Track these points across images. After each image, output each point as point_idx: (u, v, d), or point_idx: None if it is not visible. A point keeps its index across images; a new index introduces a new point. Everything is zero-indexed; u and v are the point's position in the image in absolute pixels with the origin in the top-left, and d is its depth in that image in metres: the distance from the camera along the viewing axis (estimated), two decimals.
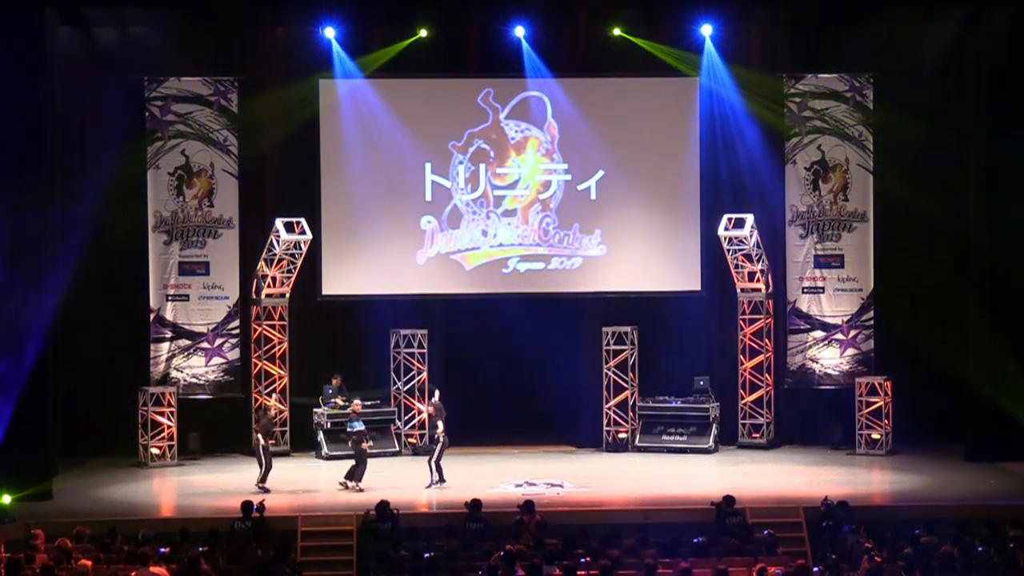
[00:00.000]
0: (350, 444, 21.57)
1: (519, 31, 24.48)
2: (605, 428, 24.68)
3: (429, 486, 20.90)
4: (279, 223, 23.82)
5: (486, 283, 25.01)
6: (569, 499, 20.14)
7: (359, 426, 21.46)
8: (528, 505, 17.45)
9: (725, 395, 24.64)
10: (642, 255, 25.13)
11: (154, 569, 14.44)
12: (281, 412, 24.21)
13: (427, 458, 21.33)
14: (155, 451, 23.45)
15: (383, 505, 17.72)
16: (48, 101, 21.85)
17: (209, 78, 24.60)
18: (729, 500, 17.77)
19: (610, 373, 24.68)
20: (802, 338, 25.21)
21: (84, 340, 23.71)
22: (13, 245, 20.60)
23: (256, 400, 24.07)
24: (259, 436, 21.26)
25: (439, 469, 21.03)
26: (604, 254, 25.04)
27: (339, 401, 23.93)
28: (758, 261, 24.48)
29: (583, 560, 15.03)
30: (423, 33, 24.47)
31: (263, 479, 20.86)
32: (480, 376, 24.90)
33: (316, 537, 18.11)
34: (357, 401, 22.21)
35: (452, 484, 20.89)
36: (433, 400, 22.24)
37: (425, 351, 24.62)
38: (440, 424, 21.40)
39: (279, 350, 24.42)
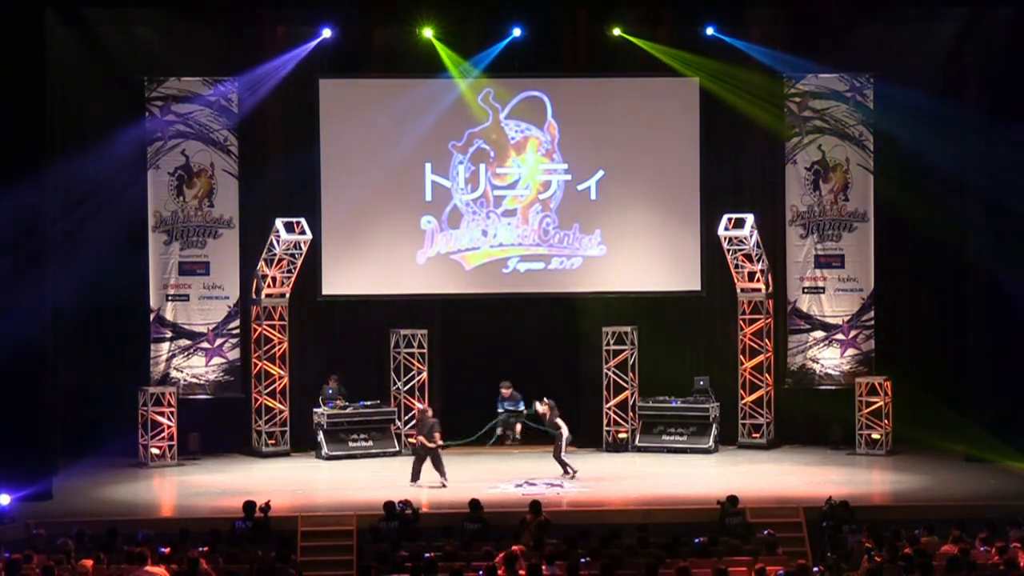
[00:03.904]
0: (502, 428, 22.80)
1: (516, 32, 24.52)
2: (605, 428, 24.68)
3: (570, 477, 21.43)
4: (279, 223, 23.80)
5: (486, 283, 25.00)
6: (569, 499, 20.16)
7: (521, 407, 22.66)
8: (535, 505, 17.44)
9: (725, 395, 24.64)
10: (642, 255, 25.12)
11: (154, 569, 14.42)
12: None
13: (551, 453, 21.78)
14: (155, 451, 23.44)
15: (390, 505, 17.62)
16: (48, 101, 21.81)
17: (209, 78, 24.58)
18: (732, 500, 17.78)
19: (610, 373, 24.67)
20: (802, 338, 25.20)
21: (84, 340, 23.72)
22: (11, 245, 20.62)
23: (257, 400, 24.11)
24: (421, 439, 21.30)
25: (563, 463, 21.60)
26: (604, 254, 25.02)
27: (340, 401, 23.98)
28: (758, 261, 24.47)
29: (583, 560, 15.02)
30: (426, 33, 24.47)
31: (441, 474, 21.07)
32: (480, 376, 24.84)
33: (316, 537, 18.11)
34: (508, 384, 23.05)
35: (452, 484, 20.91)
36: (545, 399, 22.33)
37: (425, 351, 24.61)
38: (558, 420, 21.84)
39: (279, 350, 24.42)
